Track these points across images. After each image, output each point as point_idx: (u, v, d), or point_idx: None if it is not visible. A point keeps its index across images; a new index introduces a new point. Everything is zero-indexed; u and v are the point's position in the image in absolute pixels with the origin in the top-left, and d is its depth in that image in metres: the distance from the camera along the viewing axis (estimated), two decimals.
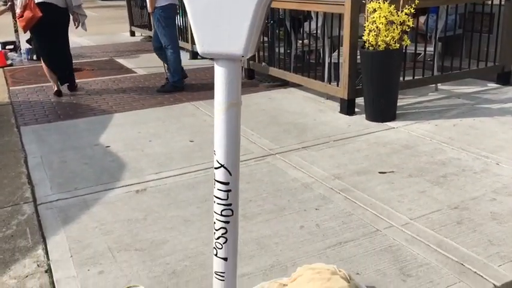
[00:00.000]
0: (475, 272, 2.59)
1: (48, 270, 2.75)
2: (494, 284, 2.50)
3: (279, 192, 3.64)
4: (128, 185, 3.81)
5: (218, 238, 1.51)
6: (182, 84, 6.65)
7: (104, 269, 2.76)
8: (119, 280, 2.63)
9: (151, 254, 2.87)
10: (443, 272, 2.61)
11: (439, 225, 3.07)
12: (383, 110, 5.02)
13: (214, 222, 1.51)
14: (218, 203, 1.48)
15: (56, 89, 6.37)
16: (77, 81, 6.83)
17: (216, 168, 1.46)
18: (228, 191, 1.46)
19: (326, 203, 3.45)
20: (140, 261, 2.81)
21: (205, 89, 6.71)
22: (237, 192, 1.49)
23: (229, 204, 1.48)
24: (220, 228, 1.50)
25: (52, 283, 2.64)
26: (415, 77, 5.71)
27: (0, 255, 2.92)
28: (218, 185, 1.47)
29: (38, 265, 2.81)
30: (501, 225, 3.05)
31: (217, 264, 1.54)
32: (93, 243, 3.02)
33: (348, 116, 5.27)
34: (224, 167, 1.44)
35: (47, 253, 2.93)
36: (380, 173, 3.87)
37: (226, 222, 1.49)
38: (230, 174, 1.45)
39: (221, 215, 1.49)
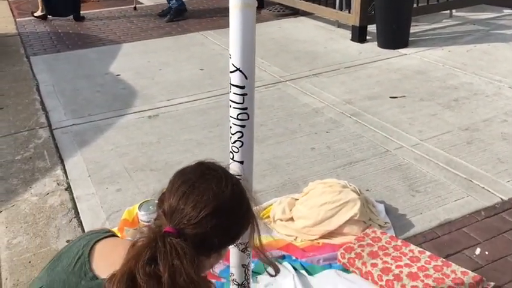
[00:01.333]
0: (483, 188, 2.65)
1: (68, 189, 2.85)
2: (501, 198, 2.57)
3: (290, 116, 3.67)
4: (140, 111, 3.85)
5: (234, 142, 1.55)
6: (185, 7, 6.55)
7: (121, 187, 2.85)
8: (136, 196, 2.73)
9: (166, 173, 2.95)
10: (451, 187, 2.68)
11: (449, 146, 3.10)
12: (395, 37, 4.93)
13: (231, 127, 1.54)
14: (234, 107, 1.51)
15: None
16: (83, 12, 6.72)
17: (231, 72, 1.47)
18: (243, 94, 1.48)
19: (337, 126, 3.48)
20: (156, 180, 2.90)
21: (212, 15, 6.60)
22: (252, 96, 1.51)
23: (245, 108, 1.50)
24: (237, 132, 1.53)
25: (72, 199, 2.75)
26: (429, 3, 5.55)
27: (21, 175, 3.02)
28: (234, 89, 1.49)
29: (57, 184, 2.91)
30: (511, 144, 3.08)
31: (234, 168, 1.59)
32: (110, 164, 3.10)
33: (359, 43, 5.19)
34: (240, 71, 1.46)
35: (65, 173, 3.02)
36: (391, 97, 3.87)
37: (242, 126, 1.52)
38: (246, 77, 1.47)
39: (237, 119, 1.51)
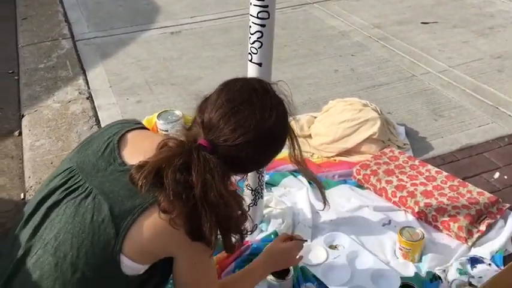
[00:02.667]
0: (510, 115, 2.57)
1: (89, 98, 2.88)
2: None
3: (314, 38, 3.56)
4: (163, 27, 3.78)
5: (253, 43, 1.50)
6: None
7: (141, 98, 2.86)
8: (156, 108, 2.73)
9: (186, 88, 2.94)
10: (476, 113, 2.60)
11: (478, 73, 2.99)
12: None
13: (250, 26, 1.49)
14: (254, 5, 1.45)
15: None
16: None
17: None
18: None
19: (363, 50, 3.37)
20: (176, 94, 2.89)
21: None
22: None
23: (266, 6, 1.44)
24: (256, 32, 1.48)
25: (94, 108, 2.77)
26: None
27: (44, 82, 3.04)
28: None
29: (79, 93, 2.93)
30: None
31: (252, 70, 1.56)
32: (131, 77, 3.10)
33: None
34: None
35: (87, 83, 3.04)
36: (422, 23, 3.70)
37: (262, 25, 1.47)
38: None
39: (257, 17, 1.46)
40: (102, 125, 2.63)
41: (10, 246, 1.13)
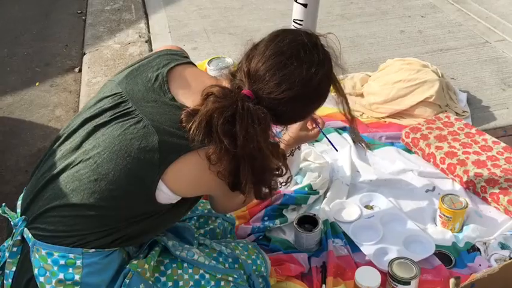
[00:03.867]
0: None
1: (148, 41, 2.92)
2: None
3: None
4: None
5: None
6: None
7: (198, 45, 2.86)
8: (210, 56, 2.70)
9: (243, 38, 2.86)
10: None
11: None
12: None
13: None
14: None
15: None
16: None
17: None
18: None
19: (435, 11, 3.15)
20: (232, 44, 2.86)
21: None
22: None
23: None
24: None
25: (150, 51, 2.81)
26: None
27: (108, 24, 3.12)
28: None
29: (139, 36, 2.98)
30: None
31: (297, 11, 1.50)
32: (191, 24, 3.10)
33: None
34: None
35: (148, 27, 3.08)
36: None
37: None
38: None
39: None
40: None
41: (46, 159, 1.17)
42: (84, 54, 2.83)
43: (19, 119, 2.37)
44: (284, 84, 1.07)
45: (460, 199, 1.65)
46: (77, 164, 1.09)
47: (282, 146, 1.47)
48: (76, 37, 3.07)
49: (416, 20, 3.06)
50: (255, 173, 1.08)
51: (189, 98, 1.11)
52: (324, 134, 1.45)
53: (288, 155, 1.74)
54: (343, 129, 2.11)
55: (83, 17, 3.29)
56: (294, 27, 1.54)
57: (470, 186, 1.79)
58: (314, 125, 1.44)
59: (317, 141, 2.04)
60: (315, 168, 1.83)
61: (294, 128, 1.46)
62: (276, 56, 1.08)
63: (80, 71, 2.73)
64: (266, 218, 1.68)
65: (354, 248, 1.59)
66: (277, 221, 1.66)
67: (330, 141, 1.46)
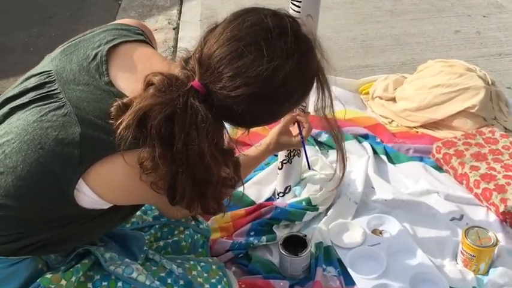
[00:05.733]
0: None
1: (176, 28, 2.77)
2: None
3: None
4: None
5: None
6: None
7: None
8: None
9: None
10: None
11: None
12: None
13: None
14: None
15: None
16: None
17: None
18: None
19: (500, 11, 2.76)
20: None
21: None
22: None
23: None
24: None
25: (176, 39, 2.66)
26: None
27: (140, 9, 3.01)
28: None
29: (168, 22, 2.83)
30: None
31: None
32: (224, 13, 2.88)
33: None
34: None
35: (180, 14, 2.94)
36: None
37: None
38: None
39: None
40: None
41: None
42: None
43: None
44: (239, 78, 0.84)
45: (489, 234, 1.33)
46: None
47: (257, 153, 1.26)
48: (107, 21, 2.88)
49: (477, 20, 2.69)
50: (197, 185, 0.88)
51: (130, 84, 0.91)
52: (303, 144, 1.20)
53: (285, 161, 1.51)
54: (365, 137, 1.83)
55: (119, 1, 3.20)
56: (291, 11, 1.30)
57: (508, 218, 1.46)
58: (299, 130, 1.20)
59: (331, 147, 1.78)
60: (318, 179, 1.57)
61: (272, 132, 1.23)
62: (232, 41, 0.86)
63: None
64: (252, 233, 1.44)
65: (348, 280, 1.32)
66: (264, 238, 1.42)
67: (305, 154, 1.22)
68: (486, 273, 1.33)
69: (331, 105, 1.02)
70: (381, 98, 2.00)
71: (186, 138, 0.83)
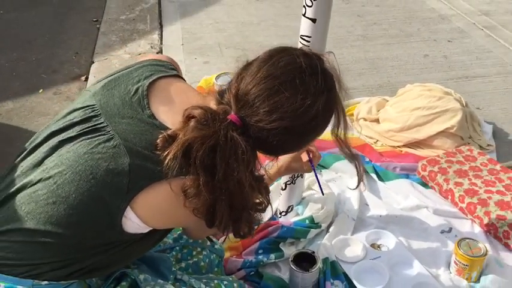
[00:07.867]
0: None
1: (159, 52, 2.82)
2: None
3: (409, 19, 3.22)
4: None
5: None
6: None
7: (210, 60, 2.75)
8: (221, 71, 2.61)
9: (258, 54, 2.78)
10: None
11: None
12: None
13: None
14: None
15: None
16: None
17: None
18: None
19: (462, 37, 2.98)
20: (245, 60, 2.74)
21: None
22: None
23: None
24: None
25: None
26: None
27: (121, 33, 3.04)
28: None
29: (151, 47, 2.89)
30: None
31: (305, 26, 1.36)
32: (205, 37, 3.00)
33: None
34: None
35: (161, 38, 2.99)
36: None
37: None
38: None
39: None
40: None
41: (6, 175, 1.05)
42: (93, 62, 2.75)
43: (17, 126, 2.27)
44: (275, 113, 0.92)
45: (479, 245, 1.46)
46: (36, 184, 0.96)
47: (268, 175, 1.34)
48: (87, 45, 2.99)
49: (442, 45, 2.90)
50: (234, 210, 0.95)
51: (170, 116, 0.98)
52: (315, 171, 1.30)
53: (289, 183, 1.60)
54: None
55: (98, 25, 3.22)
56: (301, 45, 1.40)
57: (491, 229, 1.60)
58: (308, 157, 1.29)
59: (325, 167, 1.89)
60: (318, 198, 1.66)
61: (285, 157, 1.31)
62: (268, 80, 0.93)
63: (87, 79, 2.64)
64: (260, 251, 1.52)
65: None
66: (273, 256, 1.50)
67: (318, 182, 1.31)
68: (478, 280, 1.46)
69: (346, 129, 1.11)
70: (365, 119, 2.14)
71: (227, 167, 0.90)
